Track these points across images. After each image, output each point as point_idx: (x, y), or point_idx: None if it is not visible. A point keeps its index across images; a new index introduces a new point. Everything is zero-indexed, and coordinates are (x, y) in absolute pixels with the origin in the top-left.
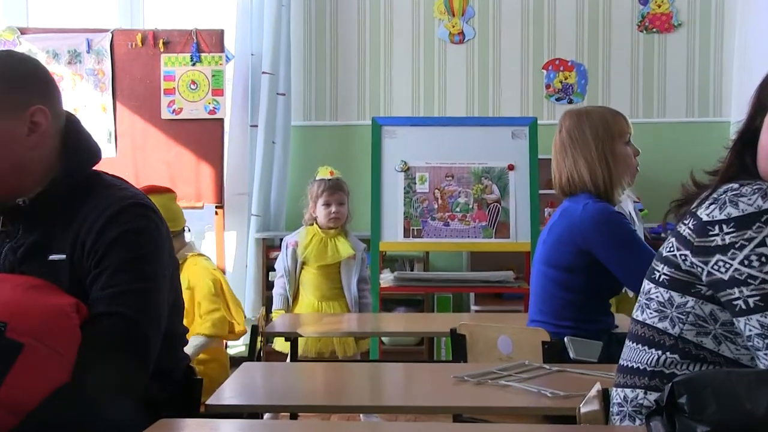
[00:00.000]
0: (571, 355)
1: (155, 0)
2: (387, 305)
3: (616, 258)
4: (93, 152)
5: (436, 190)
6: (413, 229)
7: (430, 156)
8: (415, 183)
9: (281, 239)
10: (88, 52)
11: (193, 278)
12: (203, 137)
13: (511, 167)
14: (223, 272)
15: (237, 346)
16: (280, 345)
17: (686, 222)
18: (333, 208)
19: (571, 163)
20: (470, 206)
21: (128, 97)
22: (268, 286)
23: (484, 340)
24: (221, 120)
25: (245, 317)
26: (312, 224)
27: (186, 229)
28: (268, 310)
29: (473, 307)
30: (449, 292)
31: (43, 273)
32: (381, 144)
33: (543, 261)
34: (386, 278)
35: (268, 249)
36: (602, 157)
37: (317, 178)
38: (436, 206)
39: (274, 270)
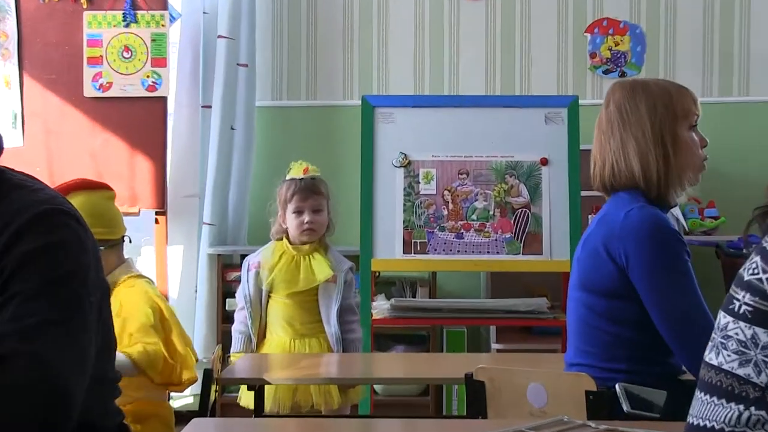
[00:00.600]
0: (625, 408)
1: None
2: (382, 343)
3: (655, 291)
4: None
5: (446, 192)
6: (416, 243)
7: (438, 147)
8: (419, 182)
9: (243, 256)
10: None
11: (126, 304)
12: (140, 121)
13: (544, 161)
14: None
15: (184, 397)
16: (247, 398)
17: None
18: (306, 217)
19: (618, 147)
20: (491, 213)
21: (40, 67)
22: (225, 317)
23: (509, 389)
24: (163, 99)
25: (196, 360)
26: (282, 238)
27: (125, 239)
28: (226, 350)
29: (494, 345)
30: (463, 326)
31: None
32: (374, 131)
33: (579, 285)
34: (380, 307)
35: (225, 269)
36: (659, 140)
37: (287, 178)
38: (445, 212)
39: (234, 297)
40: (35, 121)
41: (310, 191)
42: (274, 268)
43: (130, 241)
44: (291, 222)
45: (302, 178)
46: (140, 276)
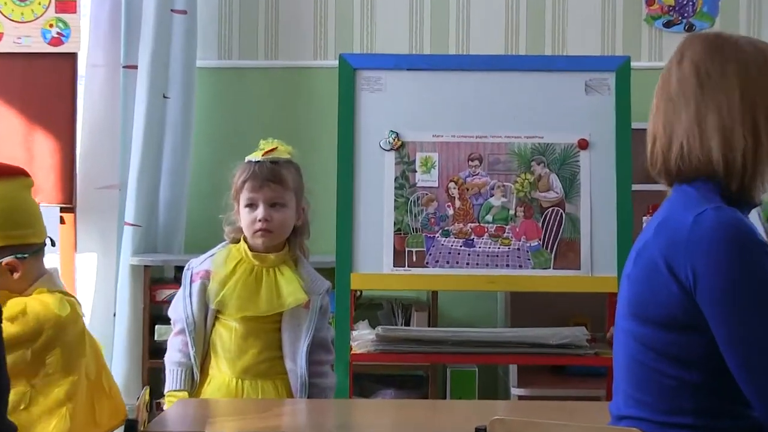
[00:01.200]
0: None
1: None
2: (364, 386)
3: (732, 322)
4: None
5: (452, 184)
6: (410, 253)
7: (441, 123)
8: (415, 170)
9: (178, 269)
10: None
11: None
12: (40, 85)
13: (583, 144)
14: None
15: None
16: None
17: None
18: (259, 212)
19: (692, 119)
20: (511, 212)
21: None
22: (154, 350)
23: None
24: (72, 56)
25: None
26: (239, 240)
27: (48, 242)
28: (155, 392)
29: (515, 391)
30: (473, 364)
31: None
32: (355, 102)
33: (630, 312)
34: (362, 337)
35: (155, 285)
36: (748, 115)
37: (246, 160)
38: (451, 212)
39: (165, 322)
40: None
41: (265, 179)
42: (228, 280)
43: (53, 244)
44: (242, 219)
45: (259, 161)
46: (63, 293)
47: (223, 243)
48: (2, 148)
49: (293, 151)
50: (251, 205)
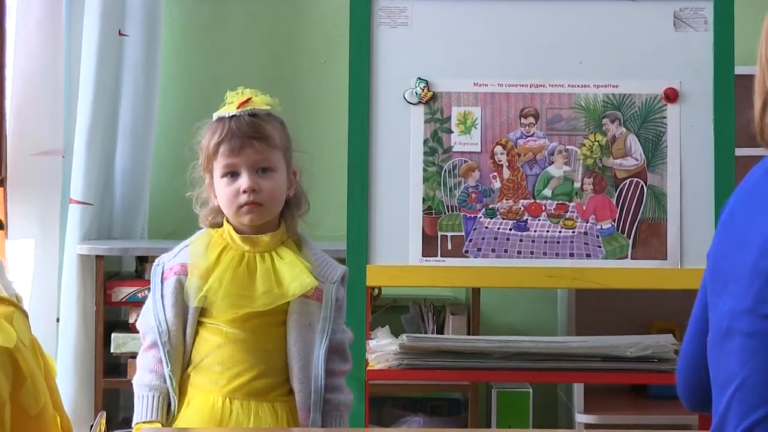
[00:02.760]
0: None
1: None
2: (385, 411)
3: None
4: None
5: (499, 148)
6: (444, 238)
7: (485, 68)
8: (451, 130)
9: (141, 259)
10: None
11: None
12: None
13: (671, 95)
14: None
15: None
16: None
17: None
18: (243, 182)
19: None
20: (577, 185)
21: None
22: (110, 366)
23: None
24: None
25: None
26: (221, 224)
27: None
28: (112, 421)
29: (581, 418)
30: (526, 382)
31: None
32: (372, 40)
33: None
34: (381, 348)
35: (111, 281)
36: None
37: (214, 117)
38: (497, 184)
39: (124, 329)
40: None
41: (246, 136)
42: (211, 272)
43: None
44: (220, 193)
45: (234, 115)
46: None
47: (201, 231)
48: None
49: (273, 102)
50: (231, 174)
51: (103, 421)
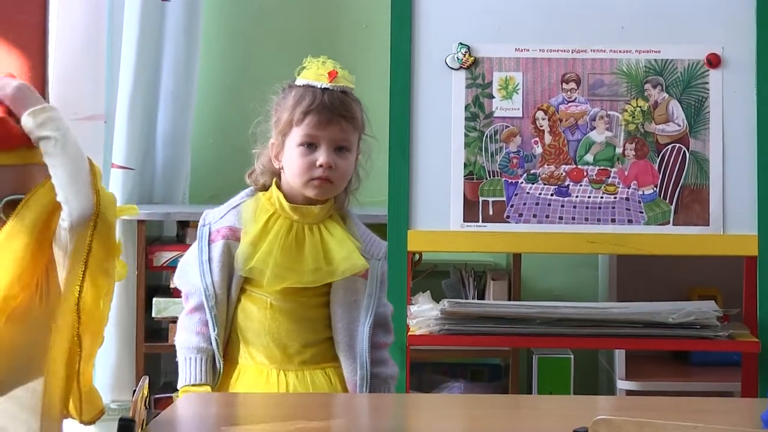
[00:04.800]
0: None
1: None
2: (425, 377)
3: None
4: None
5: (540, 113)
6: (486, 203)
7: (526, 33)
8: (492, 95)
9: (182, 224)
10: None
11: None
12: None
13: (713, 60)
14: None
15: None
16: None
17: None
18: (321, 156)
19: None
20: (618, 150)
21: None
22: (152, 331)
23: None
24: None
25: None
26: (268, 188)
27: None
28: (154, 385)
29: (622, 384)
30: (567, 348)
31: None
32: (413, 5)
33: None
34: (423, 314)
35: (152, 246)
36: None
37: (300, 82)
38: (539, 149)
39: (166, 294)
40: None
41: (335, 112)
42: (262, 240)
43: None
44: (293, 160)
45: (326, 88)
46: None
47: (247, 190)
48: None
49: (353, 79)
50: (309, 145)
51: (146, 385)
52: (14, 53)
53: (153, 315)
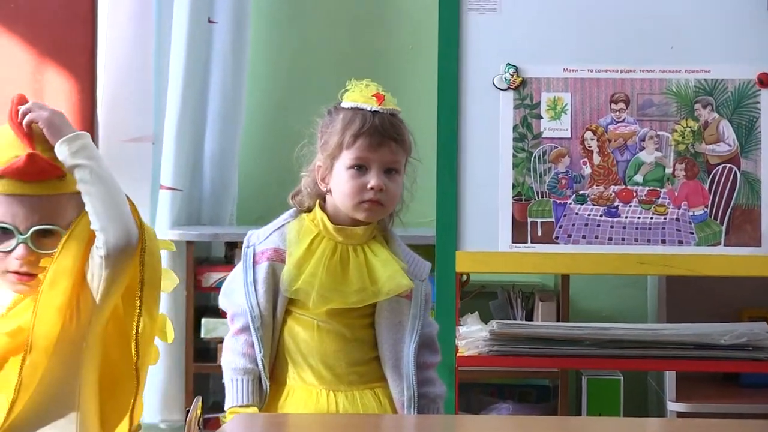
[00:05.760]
0: None
1: None
2: (473, 398)
3: None
4: None
5: (589, 134)
6: (534, 224)
7: (574, 54)
8: (540, 116)
9: (230, 245)
10: None
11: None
12: (52, 8)
13: (764, 80)
14: None
15: None
16: None
17: None
18: (373, 179)
19: None
20: (668, 171)
21: None
22: (200, 352)
23: None
24: None
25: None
26: (311, 209)
27: None
28: (203, 406)
29: (672, 406)
30: (617, 370)
31: None
32: (461, 26)
33: None
34: (472, 335)
35: (201, 267)
36: None
37: (347, 104)
38: (588, 170)
39: (214, 314)
40: None
41: (387, 135)
42: (306, 262)
43: None
44: (342, 183)
45: (375, 111)
46: None
47: (291, 211)
48: (5, 88)
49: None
50: (359, 167)
51: (200, 405)
52: (64, 75)
53: (202, 335)
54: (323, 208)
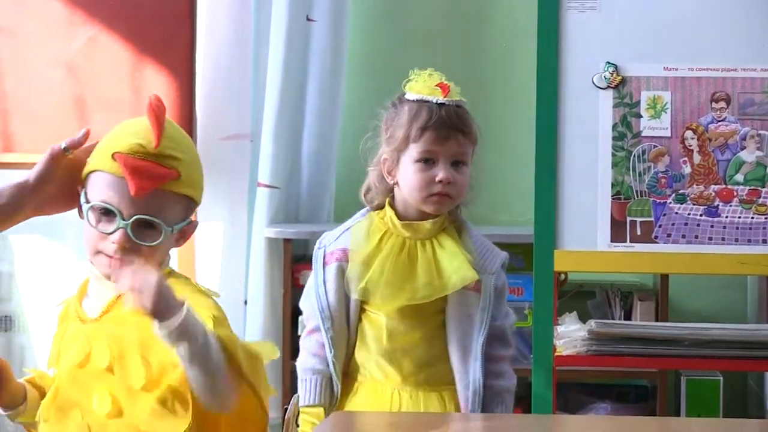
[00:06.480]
0: None
1: None
2: (570, 397)
3: None
4: None
5: (689, 132)
6: (634, 223)
7: (674, 52)
8: (640, 115)
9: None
10: None
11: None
12: (151, 7)
13: None
14: None
15: None
16: None
17: None
18: (440, 172)
19: None
20: None
21: None
22: (298, 349)
23: None
24: None
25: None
26: (383, 206)
27: None
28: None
29: None
30: (716, 371)
31: None
32: (560, 24)
33: None
34: (570, 334)
35: (298, 265)
36: None
37: (410, 97)
38: (688, 169)
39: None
40: None
41: (454, 128)
42: (373, 260)
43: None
44: (410, 176)
45: (442, 103)
46: (186, 279)
47: (363, 211)
48: (104, 87)
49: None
50: (426, 161)
51: (297, 403)
52: (162, 73)
53: (299, 333)
54: (392, 205)
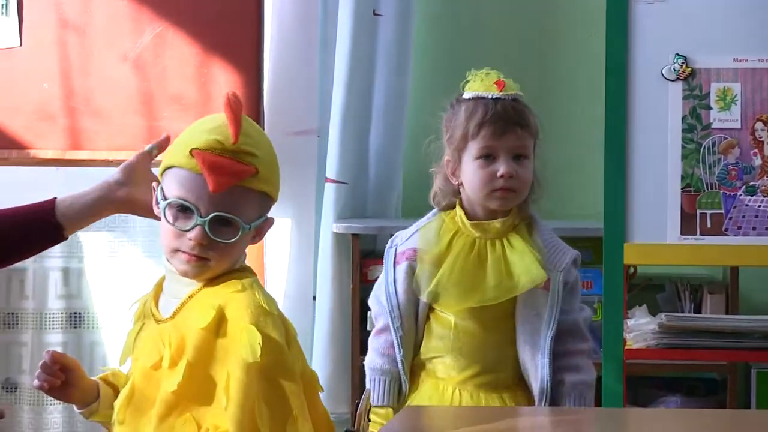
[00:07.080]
0: None
1: None
2: (640, 390)
3: None
4: None
5: (760, 124)
6: (704, 216)
7: (744, 43)
8: (710, 107)
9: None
10: None
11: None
12: (218, 3)
13: None
14: None
15: None
16: None
17: None
18: (501, 167)
19: None
20: None
21: None
22: (367, 344)
23: None
24: None
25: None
26: (454, 206)
27: None
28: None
29: None
30: None
31: None
32: (629, 16)
33: None
34: (640, 327)
35: (367, 260)
36: None
37: (467, 95)
38: (758, 161)
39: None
40: (41, 6)
41: (510, 121)
42: (442, 260)
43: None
44: (472, 174)
45: (497, 98)
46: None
47: (434, 211)
48: (168, 82)
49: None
50: (486, 157)
51: (369, 398)
52: (229, 69)
53: (368, 328)
54: (460, 204)
